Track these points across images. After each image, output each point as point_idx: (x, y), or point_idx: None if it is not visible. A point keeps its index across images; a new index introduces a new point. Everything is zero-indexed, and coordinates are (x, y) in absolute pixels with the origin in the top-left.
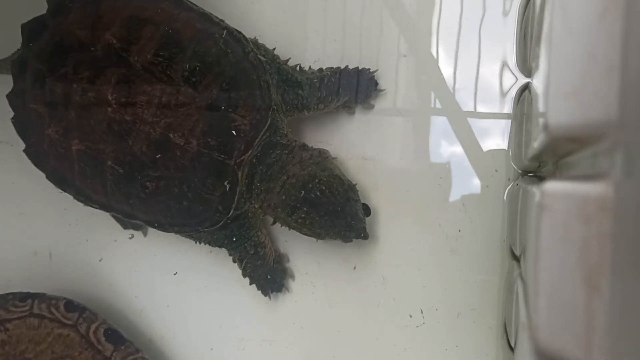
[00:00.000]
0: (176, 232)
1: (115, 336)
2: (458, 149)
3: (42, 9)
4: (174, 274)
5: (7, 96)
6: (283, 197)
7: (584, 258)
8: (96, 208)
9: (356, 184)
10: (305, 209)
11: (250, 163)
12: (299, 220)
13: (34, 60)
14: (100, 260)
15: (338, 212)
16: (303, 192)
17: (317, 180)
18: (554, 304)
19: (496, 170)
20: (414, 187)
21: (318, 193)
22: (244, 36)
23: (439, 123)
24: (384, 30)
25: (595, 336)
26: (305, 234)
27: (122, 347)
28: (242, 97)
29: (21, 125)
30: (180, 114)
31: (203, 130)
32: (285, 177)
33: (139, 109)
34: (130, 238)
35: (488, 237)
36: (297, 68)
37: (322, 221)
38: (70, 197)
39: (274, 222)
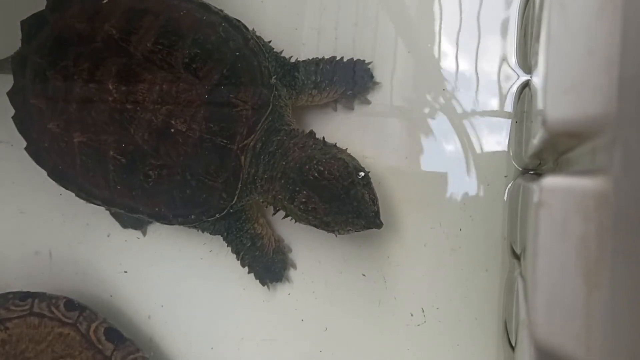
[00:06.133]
0: (180, 224)
1: (115, 335)
2: (458, 147)
3: (42, 6)
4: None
5: (8, 94)
6: (282, 182)
7: (583, 254)
8: (98, 204)
9: (369, 172)
10: (304, 192)
11: (254, 150)
12: (302, 207)
13: (33, 56)
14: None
15: (342, 196)
16: (300, 173)
17: (314, 162)
18: (553, 300)
19: (497, 168)
20: (414, 186)
21: (316, 174)
22: (243, 25)
23: (439, 121)
24: (382, 28)
25: (595, 332)
26: (316, 226)
27: (122, 346)
28: (244, 83)
29: (22, 122)
30: (182, 100)
31: (205, 116)
32: (285, 162)
33: (140, 97)
34: (137, 238)
35: (489, 236)
36: (293, 60)
37: (326, 207)
38: (72, 196)
39: (275, 212)
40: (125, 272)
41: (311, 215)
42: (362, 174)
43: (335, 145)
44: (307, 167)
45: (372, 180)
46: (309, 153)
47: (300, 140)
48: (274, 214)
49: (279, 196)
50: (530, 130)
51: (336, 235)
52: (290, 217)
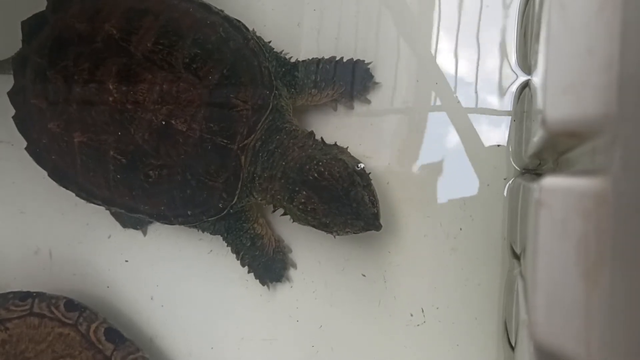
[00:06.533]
0: (180, 224)
1: (115, 335)
2: (459, 147)
3: (42, 6)
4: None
5: (8, 94)
6: (282, 181)
7: (583, 253)
8: (99, 204)
9: (370, 173)
10: (304, 192)
11: (254, 149)
12: (301, 207)
13: (34, 56)
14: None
15: (341, 197)
16: (300, 173)
17: (315, 162)
18: (553, 300)
19: (496, 169)
20: (415, 186)
21: (316, 175)
22: (243, 25)
23: (440, 121)
24: (383, 28)
25: (595, 332)
26: (315, 227)
27: (122, 346)
28: (244, 83)
29: (22, 122)
30: (182, 100)
31: (205, 116)
32: (284, 162)
33: (141, 97)
34: (137, 238)
35: (489, 236)
36: (293, 59)
37: (325, 208)
38: (71, 195)
39: (275, 210)
40: (126, 272)
41: (310, 216)
42: (362, 165)
43: (335, 145)
44: (307, 167)
45: (372, 180)
46: (309, 153)
47: (300, 140)
48: (274, 211)
49: (278, 196)
50: (530, 130)
51: (334, 237)
52: (289, 217)
